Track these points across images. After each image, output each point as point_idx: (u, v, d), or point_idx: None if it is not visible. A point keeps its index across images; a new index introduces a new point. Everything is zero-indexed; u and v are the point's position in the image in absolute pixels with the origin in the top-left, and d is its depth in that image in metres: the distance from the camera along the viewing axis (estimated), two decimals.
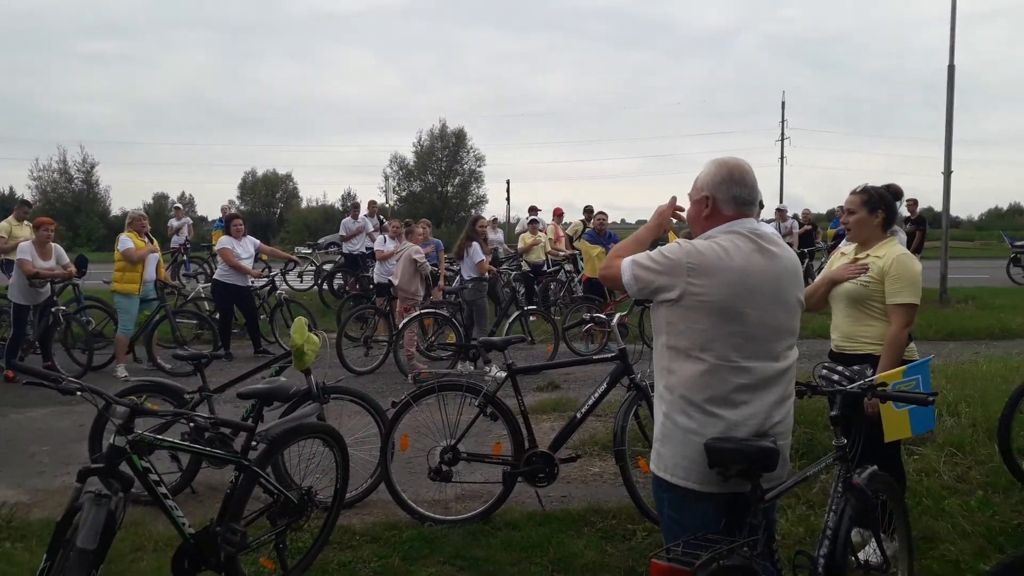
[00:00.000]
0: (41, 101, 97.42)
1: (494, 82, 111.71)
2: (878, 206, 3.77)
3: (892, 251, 3.70)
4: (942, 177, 14.29)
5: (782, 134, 46.30)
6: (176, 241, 16.69)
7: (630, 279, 2.52)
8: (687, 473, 2.47)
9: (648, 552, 3.85)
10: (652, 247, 2.64)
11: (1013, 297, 13.94)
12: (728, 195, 2.54)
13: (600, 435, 5.89)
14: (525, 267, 13.22)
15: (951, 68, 13.98)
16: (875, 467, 3.07)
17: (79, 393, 2.99)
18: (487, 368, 8.40)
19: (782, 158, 46.17)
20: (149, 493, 3.16)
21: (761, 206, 5.95)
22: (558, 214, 15.09)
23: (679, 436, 2.48)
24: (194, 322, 10.11)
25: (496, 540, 4.23)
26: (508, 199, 45.35)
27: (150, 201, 53.82)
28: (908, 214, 14.32)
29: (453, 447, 4.51)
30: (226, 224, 10.14)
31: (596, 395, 4.53)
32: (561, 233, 14.49)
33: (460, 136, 53.90)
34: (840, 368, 3.76)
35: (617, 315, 4.99)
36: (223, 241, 9.70)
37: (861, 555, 3.25)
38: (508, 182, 53.18)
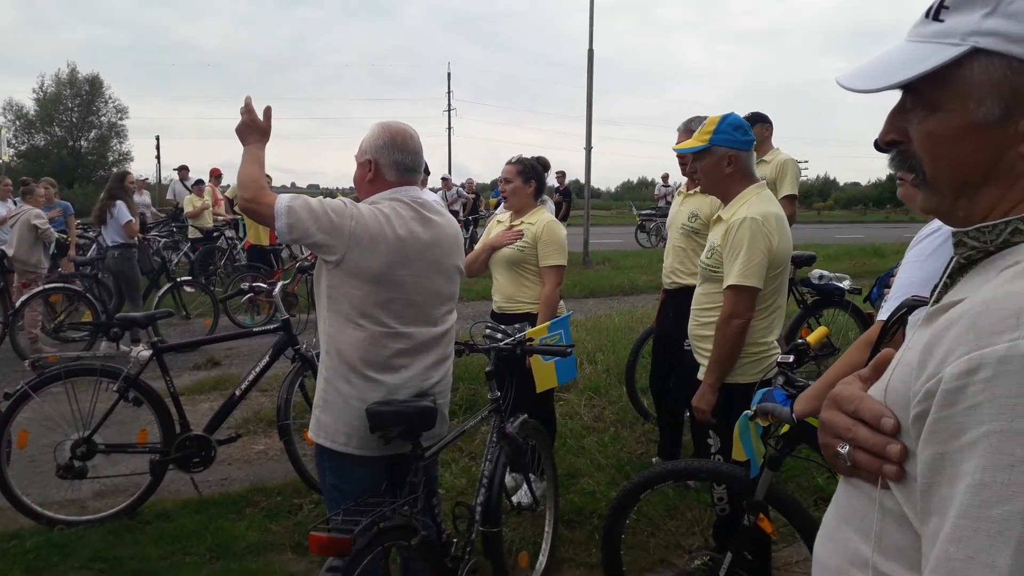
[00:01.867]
0: None
1: (137, 26, 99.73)
2: (531, 176, 4.04)
3: (542, 218, 4.00)
4: (584, 152, 16.05)
5: (449, 105, 48.16)
6: None
7: (285, 225, 2.35)
8: (348, 439, 2.45)
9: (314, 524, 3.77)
10: None
11: (640, 259, 16.14)
12: (390, 160, 2.51)
13: (266, 410, 5.60)
14: (196, 233, 12.06)
15: (591, 53, 15.63)
16: (526, 416, 3.31)
17: None
18: (133, 348, 7.53)
19: (449, 128, 48.07)
20: None
21: (427, 173, 6.02)
22: (216, 175, 13.95)
23: (340, 402, 2.46)
24: None
25: (145, 535, 3.82)
26: (158, 157, 40.46)
27: None
28: (557, 185, 15.87)
29: (87, 439, 3.94)
30: None
31: (257, 369, 4.27)
32: (220, 196, 13.44)
33: (95, 84, 46.97)
34: (502, 327, 4.01)
35: (280, 284, 4.72)
36: None
37: (515, 498, 3.50)
38: (158, 138, 47.05)
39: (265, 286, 4.69)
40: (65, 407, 3.99)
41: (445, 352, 2.62)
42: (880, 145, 0.96)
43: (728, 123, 2.96)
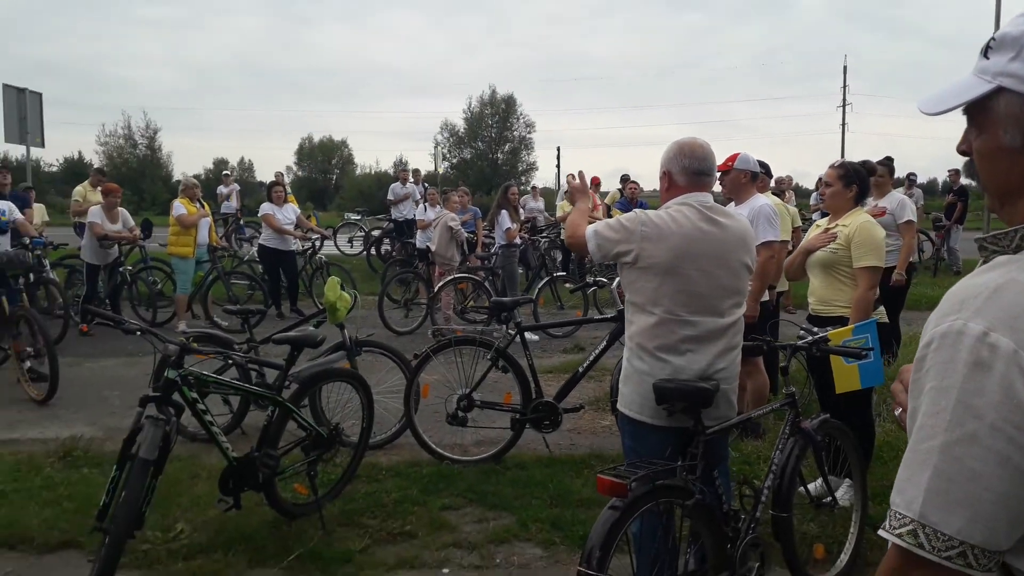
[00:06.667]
0: (104, 67, 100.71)
1: (543, 45, 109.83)
2: (853, 181, 4.07)
3: (857, 219, 4.01)
4: None
5: (844, 100, 44.93)
6: (227, 207, 17.30)
7: (594, 247, 2.95)
8: (641, 408, 2.90)
9: None
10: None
11: None
12: (680, 167, 2.93)
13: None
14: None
15: None
16: (827, 415, 3.45)
17: (139, 333, 3.56)
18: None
19: (843, 124, 44.84)
20: (198, 421, 3.72)
21: (770, 176, 6.16)
22: (595, 183, 15.31)
23: (635, 377, 2.92)
24: (246, 283, 10.78)
25: (504, 478, 4.72)
26: (558, 166, 45.30)
27: (211, 166, 55.54)
28: (951, 183, 14.19)
29: (468, 395, 5.00)
30: (268, 191, 10.56)
31: (596, 352, 4.96)
32: (599, 202, 14.73)
33: (510, 102, 54.05)
34: (816, 329, 4.13)
35: (614, 280, 5.31)
36: (265, 207, 10.21)
37: (813, 491, 3.62)
38: (558, 149, 52.69)
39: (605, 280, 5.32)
40: (454, 369, 5.10)
41: (732, 342, 2.94)
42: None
43: None
